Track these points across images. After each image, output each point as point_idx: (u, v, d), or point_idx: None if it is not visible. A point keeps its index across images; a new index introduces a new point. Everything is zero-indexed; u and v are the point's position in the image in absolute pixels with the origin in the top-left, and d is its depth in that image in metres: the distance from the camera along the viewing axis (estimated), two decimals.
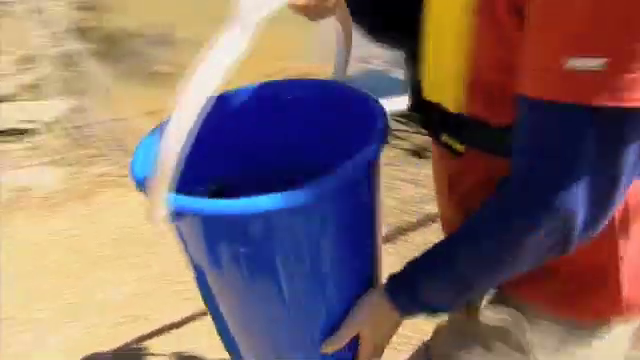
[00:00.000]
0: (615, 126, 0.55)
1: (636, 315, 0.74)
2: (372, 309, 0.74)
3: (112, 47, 3.92)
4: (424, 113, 0.77)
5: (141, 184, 0.67)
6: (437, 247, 0.70)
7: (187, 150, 0.56)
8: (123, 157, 2.82)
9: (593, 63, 0.52)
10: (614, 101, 0.52)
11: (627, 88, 0.52)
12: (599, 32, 0.52)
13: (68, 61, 3.60)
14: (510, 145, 0.61)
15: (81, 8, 4.49)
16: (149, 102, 2.92)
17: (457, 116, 0.69)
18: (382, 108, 0.77)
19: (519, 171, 0.60)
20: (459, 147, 0.72)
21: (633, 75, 0.52)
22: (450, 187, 0.78)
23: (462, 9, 0.63)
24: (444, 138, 0.73)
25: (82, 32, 3.99)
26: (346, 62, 0.85)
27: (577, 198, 0.57)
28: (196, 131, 0.56)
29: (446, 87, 0.70)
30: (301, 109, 0.87)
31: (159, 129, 0.76)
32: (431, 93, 0.74)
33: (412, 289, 0.70)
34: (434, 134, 0.76)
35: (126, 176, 0.89)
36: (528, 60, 0.57)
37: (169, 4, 4.35)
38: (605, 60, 0.51)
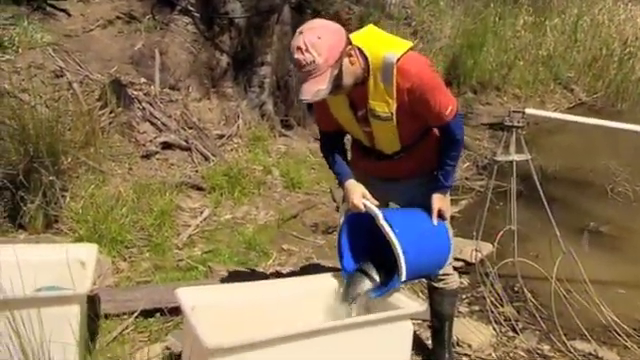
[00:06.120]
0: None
1: None
2: (445, 199, 2.35)
3: None
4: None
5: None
6: (447, 163, 2.27)
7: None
8: None
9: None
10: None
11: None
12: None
13: None
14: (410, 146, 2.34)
15: None
16: None
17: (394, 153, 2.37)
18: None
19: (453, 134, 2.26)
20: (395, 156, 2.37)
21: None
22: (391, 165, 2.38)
23: (391, 130, 2.23)
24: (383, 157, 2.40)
25: None
26: None
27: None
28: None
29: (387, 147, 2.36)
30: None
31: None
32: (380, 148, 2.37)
33: (450, 182, 2.33)
34: (378, 157, 2.40)
35: None
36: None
37: None
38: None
